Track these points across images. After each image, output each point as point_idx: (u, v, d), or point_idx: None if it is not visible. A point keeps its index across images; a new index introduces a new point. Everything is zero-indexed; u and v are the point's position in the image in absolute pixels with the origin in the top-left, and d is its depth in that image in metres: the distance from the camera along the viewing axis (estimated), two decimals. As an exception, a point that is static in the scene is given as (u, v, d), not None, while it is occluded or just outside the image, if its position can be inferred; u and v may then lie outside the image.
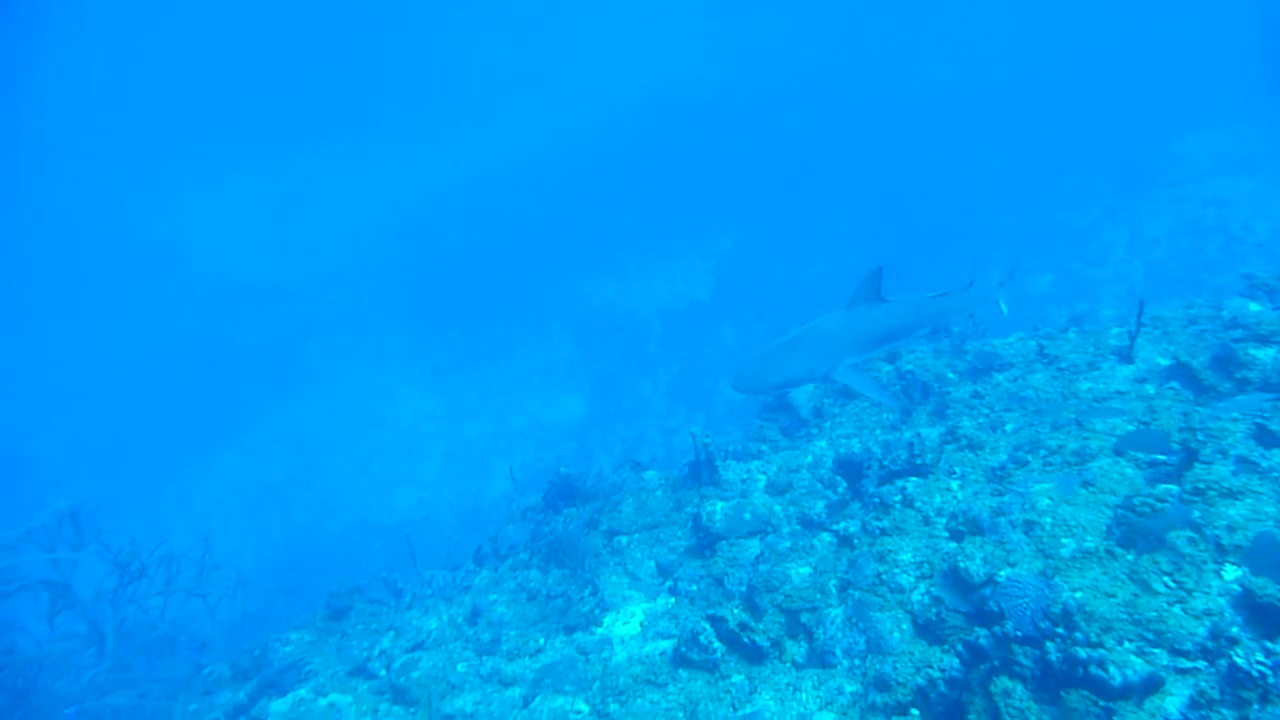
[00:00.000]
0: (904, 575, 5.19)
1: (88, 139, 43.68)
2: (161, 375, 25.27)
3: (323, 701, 5.62)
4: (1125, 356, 6.82)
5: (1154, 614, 4.00)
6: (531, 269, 27.40)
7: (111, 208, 36.86)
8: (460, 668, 5.94)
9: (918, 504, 5.74)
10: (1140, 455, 5.23)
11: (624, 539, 7.22)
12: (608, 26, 45.30)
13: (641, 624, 5.95)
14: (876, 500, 5.98)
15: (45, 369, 27.06)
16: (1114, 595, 4.18)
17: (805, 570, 5.67)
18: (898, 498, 5.86)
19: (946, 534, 5.38)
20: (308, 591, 7.45)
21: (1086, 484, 5.09)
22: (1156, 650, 3.89)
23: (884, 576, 5.23)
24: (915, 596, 5.03)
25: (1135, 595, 4.15)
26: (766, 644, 5.21)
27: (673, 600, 6.12)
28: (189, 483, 20.88)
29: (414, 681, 5.70)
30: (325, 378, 24.70)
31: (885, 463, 6.33)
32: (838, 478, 6.79)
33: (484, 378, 23.60)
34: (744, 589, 5.72)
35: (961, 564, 4.83)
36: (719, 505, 6.73)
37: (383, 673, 5.94)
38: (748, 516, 6.60)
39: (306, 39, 47.54)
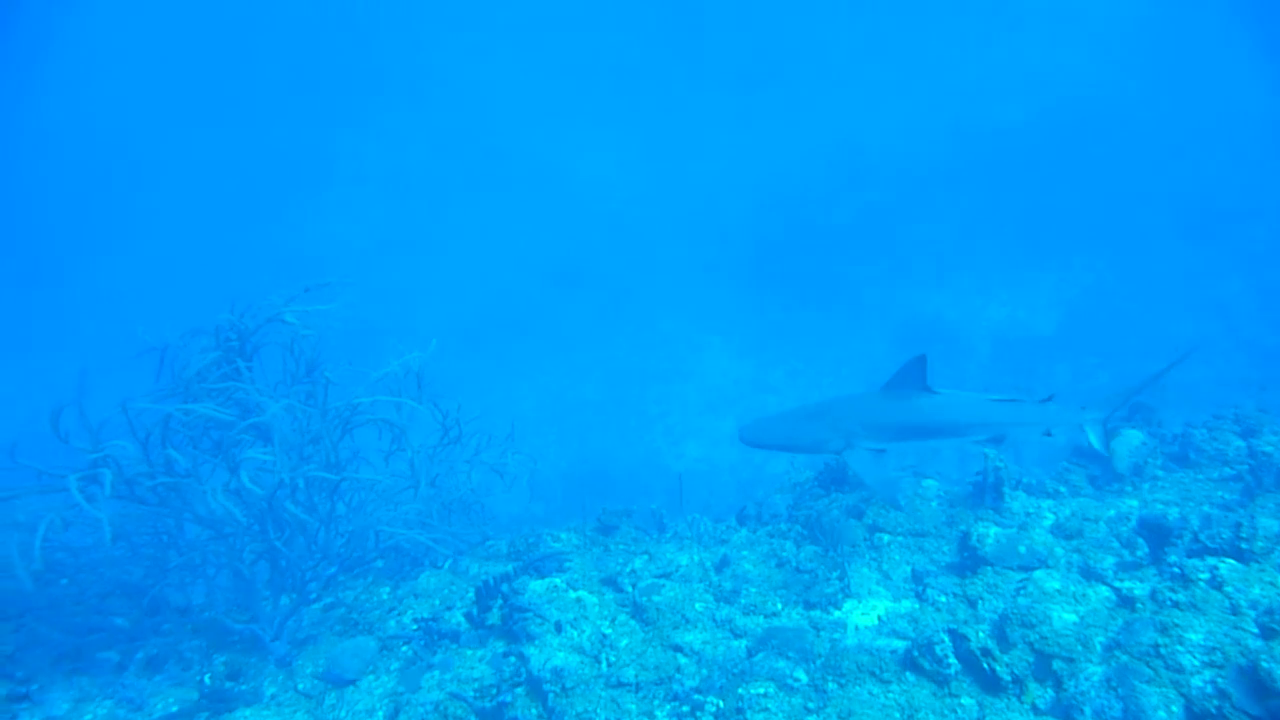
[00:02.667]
0: (1188, 656, 4.60)
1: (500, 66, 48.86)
2: (523, 280, 28.20)
3: (572, 594, 6.23)
4: None
5: None
6: (863, 260, 26.94)
7: (502, 130, 41.21)
8: (698, 606, 6.26)
9: (1229, 588, 5.04)
10: None
11: (886, 537, 7.08)
12: (995, 22, 42.41)
13: (880, 618, 5.85)
14: (1177, 570, 5.32)
15: (438, 256, 31.07)
16: None
17: (1070, 617, 5.22)
18: (1204, 575, 5.17)
19: (1256, 629, 4.68)
20: (586, 507, 8.18)
21: None
22: None
23: (1163, 650, 4.68)
24: (1196, 681, 4.45)
25: None
26: (1008, 677, 4.90)
27: (917, 605, 5.94)
28: (517, 379, 23.28)
29: (653, 604, 6.11)
30: (650, 318, 26.19)
31: (1201, 536, 5.60)
32: (1139, 539, 6.11)
33: (794, 358, 23.78)
34: (996, 617, 5.40)
35: (1265, 664, 4.20)
36: (993, 530, 6.37)
37: (629, 589, 6.42)
38: (1022, 550, 6.19)
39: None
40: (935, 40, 43.81)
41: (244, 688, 5.75)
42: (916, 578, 6.34)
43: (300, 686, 5.80)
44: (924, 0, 45.99)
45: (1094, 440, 6.66)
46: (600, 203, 33.93)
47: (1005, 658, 5.01)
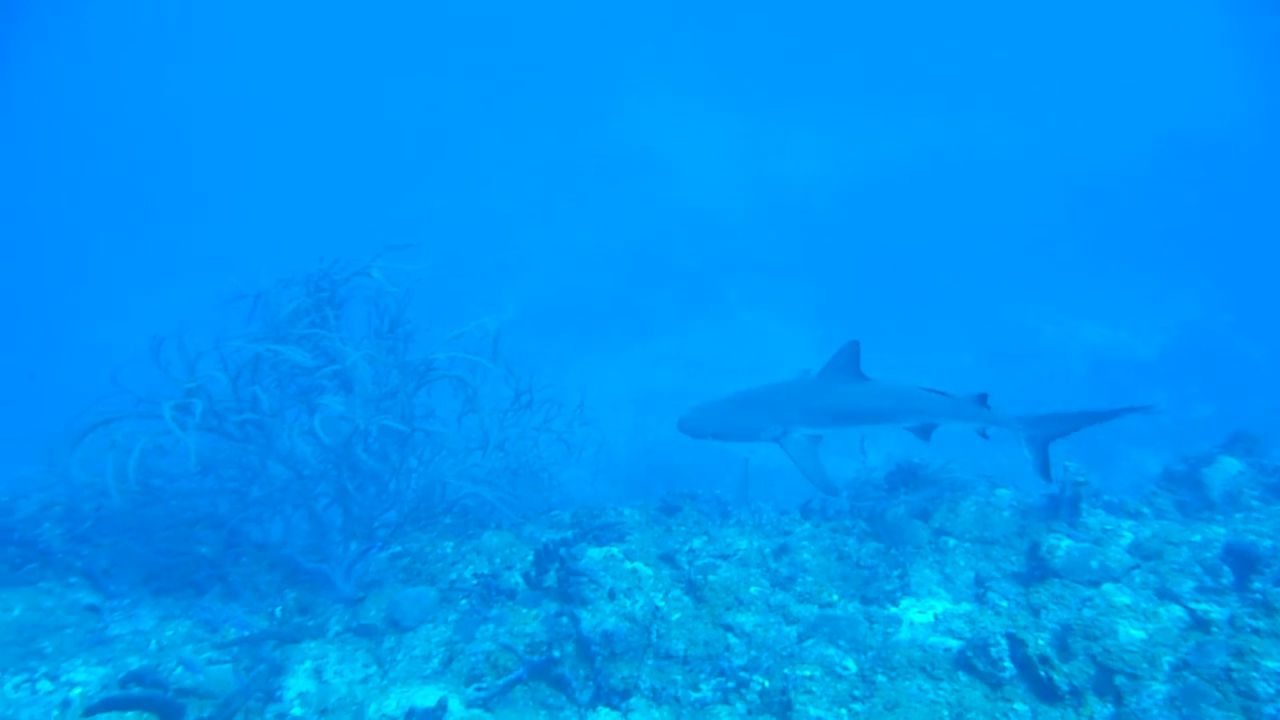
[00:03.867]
0: (1263, 683, 4.39)
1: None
2: (609, 264, 28.39)
3: (628, 565, 6.31)
4: None
5: None
6: (959, 270, 26.24)
7: (608, 117, 41.54)
8: (753, 589, 6.25)
9: (1316, 619, 4.77)
10: None
11: (951, 541, 6.94)
12: (1113, 41, 40.71)
13: (936, 616, 5.75)
14: (1260, 598, 5.05)
15: (531, 233, 31.46)
16: None
17: (1138, 633, 5.02)
18: (1291, 604, 4.90)
19: (1342, 665, 4.43)
20: (651, 490, 8.25)
21: None
22: None
23: (1235, 675, 4.47)
24: (1269, 710, 4.25)
25: None
26: (1066, 687, 4.76)
27: (976, 607, 5.81)
28: (594, 362, 23.39)
29: (708, 582, 6.14)
30: (732, 312, 26.04)
31: (1293, 565, 5.32)
32: (1225, 566, 5.82)
33: (878, 364, 23.26)
34: (1058, 626, 5.24)
35: (1345, 698, 3.98)
36: (1065, 543, 6.19)
37: (685, 565, 6.46)
38: (1094, 565, 5.98)
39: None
40: (1052, 56, 42.37)
41: (311, 623, 6.02)
42: (979, 582, 6.20)
43: (364, 627, 6.04)
44: (1037, 14, 44.50)
45: (1029, 455, 6.35)
46: (694, 194, 33.93)
47: (1065, 667, 4.86)
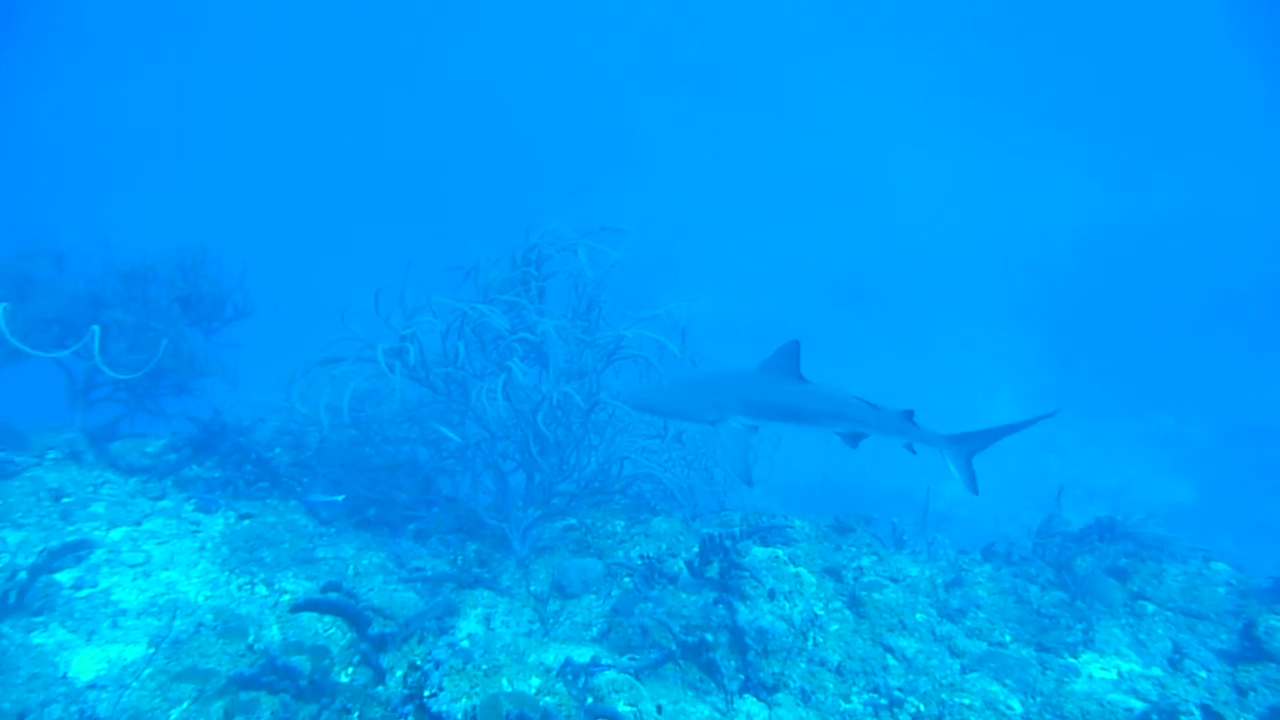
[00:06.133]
0: None
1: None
2: (819, 286, 27.94)
3: (792, 569, 6.26)
4: None
5: None
6: (1207, 337, 23.87)
7: (835, 141, 41.03)
8: (919, 616, 6.03)
9: None
10: None
11: (1150, 607, 6.37)
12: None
13: (1120, 674, 5.29)
14: None
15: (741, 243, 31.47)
16: None
17: (1367, 731, 4.40)
18: None
19: None
20: (824, 511, 8.12)
21: None
22: None
23: None
24: None
25: None
26: (1265, 775, 4.26)
27: (1168, 673, 5.29)
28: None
29: (872, 600, 5.98)
30: (942, 350, 24.92)
31: None
32: None
33: (1091, 422, 21.62)
34: (1267, 711, 4.68)
35: None
36: (1289, 624, 5.51)
37: (850, 580, 6.33)
38: (1323, 653, 5.29)
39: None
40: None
41: (486, 575, 6.44)
42: (1177, 649, 5.64)
43: (532, 588, 6.38)
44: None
45: (955, 471, 6.43)
46: (916, 228, 32.86)
47: (1269, 753, 4.35)
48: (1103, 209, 33.30)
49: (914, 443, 6.37)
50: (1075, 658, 5.56)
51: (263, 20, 51.65)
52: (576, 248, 6.54)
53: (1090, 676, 5.28)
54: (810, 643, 5.56)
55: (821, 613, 5.86)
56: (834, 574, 6.53)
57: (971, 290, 28.33)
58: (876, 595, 6.05)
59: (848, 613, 5.96)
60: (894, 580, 6.48)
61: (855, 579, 6.37)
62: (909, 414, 6.27)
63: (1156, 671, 5.36)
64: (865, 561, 6.79)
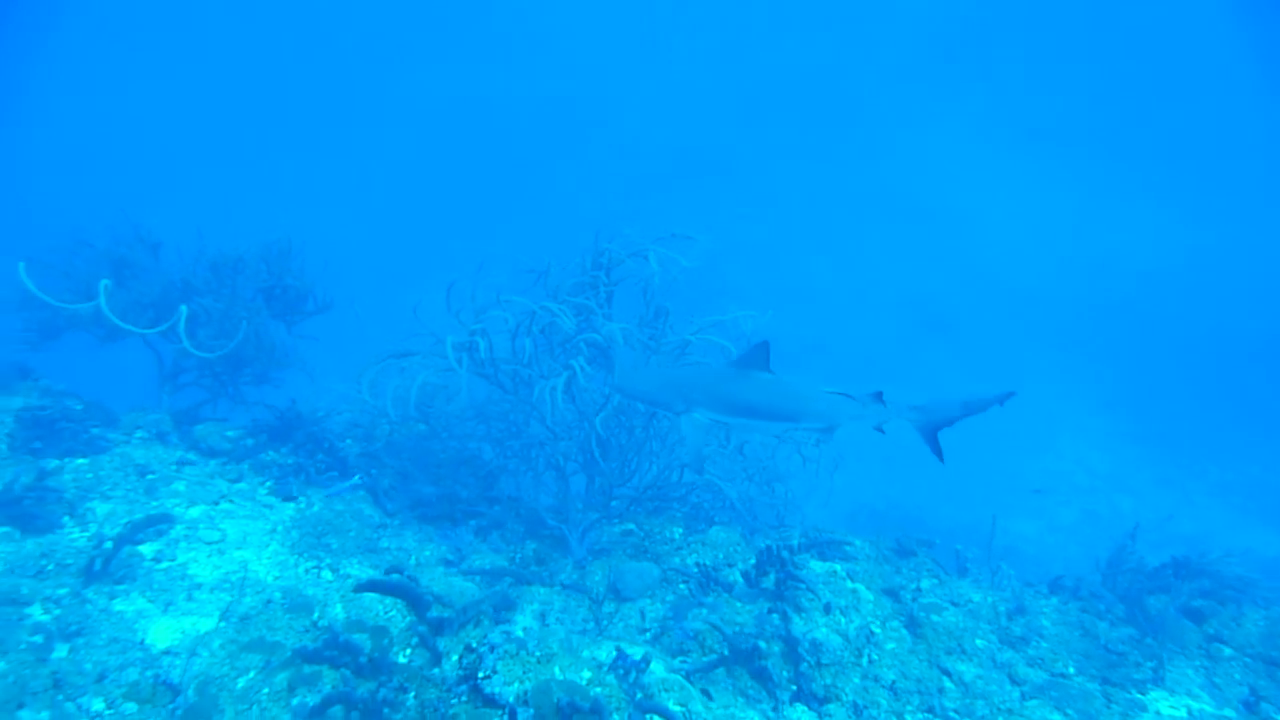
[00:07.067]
0: None
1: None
2: (894, 312, 27.52)
3: (849, 584, 6.19)
4: None
5: None
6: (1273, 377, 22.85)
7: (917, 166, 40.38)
8: (979, 642, 5.89)
9: None
10: None
11: (1228, 650, 6.10)
12: None
13: (1190, 712, 5.09)
14: None
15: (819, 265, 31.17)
16: None
17: None
18: None
19: None
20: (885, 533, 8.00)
21: None
22: None
23: None
24: None
25: None
26: (1346, 826, 4.05)
27: (1242, 715, 5.07)
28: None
29: (930, 622, 5.87)
30: (1018, 383, 24.25)
31: None
32: None
33: (1170, 465, 20.80)
34: (1351, 758, 4.46)
35: None
36: (1378, 673, 5.23)
37: (909, 601, 6.22)
38: None
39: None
40: None
41: (544, 573, 6.52)
42: (1254, 694, 5.40)
43: (588, 588, 6.44)
44: None
45: (921, 438, 6.35)
46: (997, 260, 32.09)
47: (1350, 803, 4.13)
48: (1186, 246, 32.10)
49: (882, 424, 6.32)
50: (1143, 694, 5.36)
51: (356, 22, 53.63)
52: (647, 253, 6.64)
53: (1158, 714, 5.09)
54: (865, 659, 5.48)
55: (878, 630, 5.77)
56: (892, 594, 6.43)
57: (1049, 325, 27.58)
58: (935, 617, 5.94)
59: (905, 632, 5.86)
60: (954, 604, 6.35)
61: (914, 599, 6.27)
62: (878, 395, 6.22)
63: (1229, 714, 5.14)
64: (925, 584, 6.68)
